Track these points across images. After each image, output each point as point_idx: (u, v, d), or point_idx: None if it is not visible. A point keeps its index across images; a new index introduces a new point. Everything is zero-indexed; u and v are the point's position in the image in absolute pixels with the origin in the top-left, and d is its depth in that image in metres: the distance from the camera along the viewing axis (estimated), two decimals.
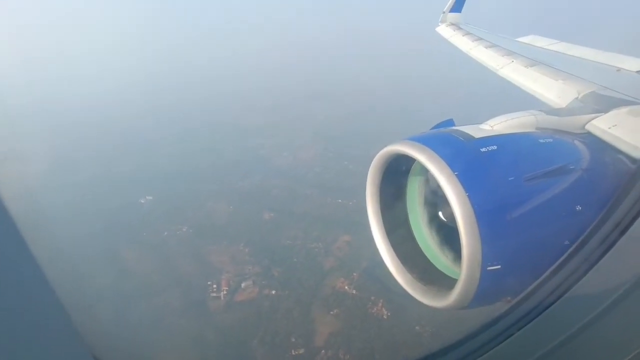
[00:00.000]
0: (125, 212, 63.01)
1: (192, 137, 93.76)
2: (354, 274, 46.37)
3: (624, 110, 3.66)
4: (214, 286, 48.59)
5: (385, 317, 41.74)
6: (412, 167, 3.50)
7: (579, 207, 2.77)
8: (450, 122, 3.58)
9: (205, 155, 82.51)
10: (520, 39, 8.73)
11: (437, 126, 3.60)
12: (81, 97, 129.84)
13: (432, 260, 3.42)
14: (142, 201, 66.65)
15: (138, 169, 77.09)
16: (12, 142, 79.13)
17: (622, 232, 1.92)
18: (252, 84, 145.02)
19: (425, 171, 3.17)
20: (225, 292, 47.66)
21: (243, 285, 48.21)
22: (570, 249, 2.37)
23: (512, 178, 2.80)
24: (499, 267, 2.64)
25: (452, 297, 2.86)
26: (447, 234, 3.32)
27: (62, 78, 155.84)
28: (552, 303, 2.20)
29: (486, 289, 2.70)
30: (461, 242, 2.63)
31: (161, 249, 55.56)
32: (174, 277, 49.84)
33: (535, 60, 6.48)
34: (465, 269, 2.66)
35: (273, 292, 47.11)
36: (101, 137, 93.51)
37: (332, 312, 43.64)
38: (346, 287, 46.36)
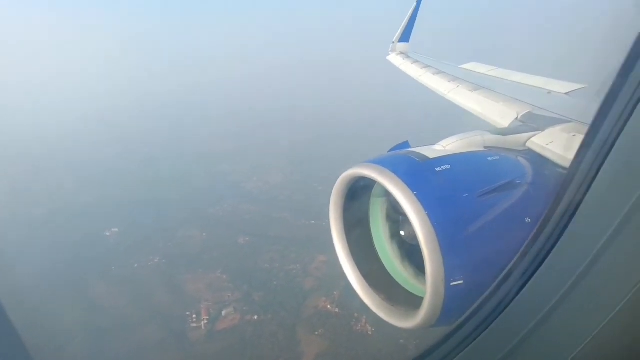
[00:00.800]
0: (90, 246, 59.78)
1: (156, 165, 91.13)
2: (335, 293, 46.17)
3: (558, 128, 4.02)
4: (194, 316, 46.91)
5: (369, 332, 41.66)
6: (374, 188, 3.56)
7: (527, 218, 2.91)
8: (406, 144, 3.67)
9: (172, 183, 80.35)
10: (463, 66, 9.29)
11: (394, 148, 3.69)
12: (35, 127, 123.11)
13: (397, 280, 3.46)
14: (108, 234, 63.50)
15: (100, 200, 73.55)
16: None
17: (560, 234, 2.05)
18: (216, 110, 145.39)
19: (385, 192, 3.20)
20: (205, 322, 45.96)
21: (224, 312, 46.83)
22: (517, 256, 2.46)
23: (467, 194, 2.92)
24: (462, 281, 2.72)
25: (420, 315, 2.90)
26: (410, 253, 3.41)
27: (16, 106, 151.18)
28: (506, 307, 2.30)
29: (451, 304, 2.76)
30: (424, 259, 2.69)
31: (133, 281, 53.06)
32: (150, 310, 47.61)
33: (477, 85, 6.97)
34: (430, 285, 2.72)
35: (255, 317, 45.92)
36: (58, 167, 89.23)
37: (317, 333, 43.18)
38: (328, 306, 46.06)
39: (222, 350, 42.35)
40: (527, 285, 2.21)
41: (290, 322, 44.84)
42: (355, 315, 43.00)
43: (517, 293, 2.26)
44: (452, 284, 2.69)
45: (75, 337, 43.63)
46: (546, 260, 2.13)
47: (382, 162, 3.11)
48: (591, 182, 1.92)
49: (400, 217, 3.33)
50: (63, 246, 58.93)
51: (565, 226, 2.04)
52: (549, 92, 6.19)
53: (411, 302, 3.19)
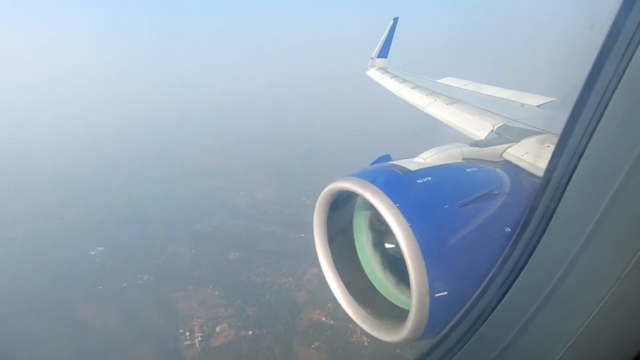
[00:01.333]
0: (75, 266, 58.77)
1: (140, 182, 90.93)
2: (329, 305, 45.94)
3: (531, 139, 4.12)
4: (187, 333, 46.38)
5: (365, 343, 41.61)
6: (357, 202, 3.58)
7: (506, 227, 2.95)
8: (387, 157, 3.69)
9: (157, 200, 79.90)
10: (440, 80, 9.53)
11: (376, 161, 3.70)
12: (16, 144, 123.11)
13: (382, 293, 3.47)
14: (93, 253, 62.57)
15: (83, 219, 72.46)
16: None
17: (537, 241, 2.09)
18: (199, 127, 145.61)
19: (369, 205, 3.19)
20: (199, 339, 45.49)
21: (217, 329, 46.31)
22: (498, 263, 2.48)
23: (448, 206, 2.95)
24: (446, 292, 2.74)
25: (406, 328, 2.89)
26: (394, 265, 3.43)
27: None
28: (489, 316, 2.32)
29: (437, 315, 2.77)
30: (408, 271, 2.70)
31: (122, 301, 52.31)
32: (141, 330, 46.94)
33: (454, 98, 7.14)
34: (415, 298, 2.72)
35: (250, 332, 45.54)
36: (38, 186, 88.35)
37: (313, 345, 43.14)
38: (323, 318, 46.00)
39: None
40: (509, 293, 2.24)
41: (286, 336, 44.54)
42: (350, 326, 42.46)
43: (500, 301, 2.29)
44: (436, 295, 2.71)
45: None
46: (525, 267, 2.17)
47: (364, 176, 3.14)
48: (563, 190, 1.98)
49: (384, 230, 3.35)
50: (46, 266, 57.77)
51: (542, 233, 2.09)
52: (522, 105, 6.37)
53: (397, 315, 3.21)
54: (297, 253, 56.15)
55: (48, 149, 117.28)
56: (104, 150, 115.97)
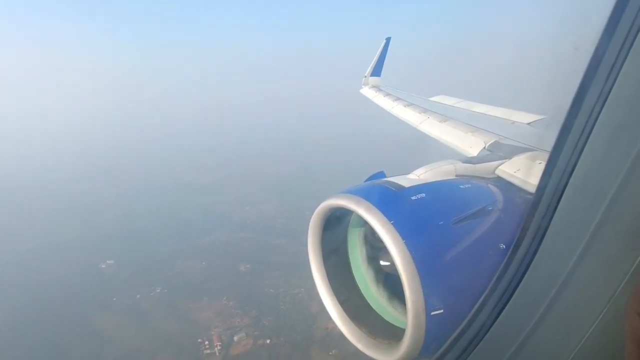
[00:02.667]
0: (87, 279, 59.69)
1: (140, 198, 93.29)
2: None
3: (523, 156, 4.13)
4: (206, 343, 47.04)
5: None
6: (351, 218, 3.56)
7: (500, 243, 2.91)
8: (381, 174, 3.69)
9: (161, 215, 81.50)
10: (432, 98, 9.64)
11: (370, 178, 3.70)
12: (21, 159, 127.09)
13: (378, 311, 3.43)
14: (103, 266, 63.63)
15: (89, 234, 73.73)
16: None
17: (532, 257, 2.10)
18: (193, 144, 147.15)
19: (363, 222, 3.17)
20: (219, 347, 46.22)
21: (236, 338, 47.00)
22: (492, 281, 2.46)
23: (442, 222, 2.93)
24: (442, 310, 2.69)
25: (402, 347, 2.84)
26: (389, 282, 3.37)
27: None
28: (486, 333, 2.32)
29: (433, 334, 2.71)
30: (404, 290, 2.67)
31: (138, 312, 52.87)
32: (160, 340, 47.62)
33: (446, 116, 7.15)
34: (411, 316, 2.68)
35: (268, 341, 46.30)
36: (41, 201, 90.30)
37: (331, 353, 43.42)
38: None
39: None
40: (504, 311, 2.24)
41: (303, 344, 44.96)
42: None
43: (495, 319, 2.28)
44: (432, 313, 2.67)
45: None
46: (520, 285, 2.17)
47: (358, 192, 3.13)
48: (555, 207, 1.98)
49: (378, 247, 3.29)
50: (58, 280, 58.61)
51: (535, 250, 2.09)
52: (513, 122, 6.43)
53: (393, 334, 3.16)
54: (307, 265, 55.95)
55: (54, 165, 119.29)
56: (109, 164, 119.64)
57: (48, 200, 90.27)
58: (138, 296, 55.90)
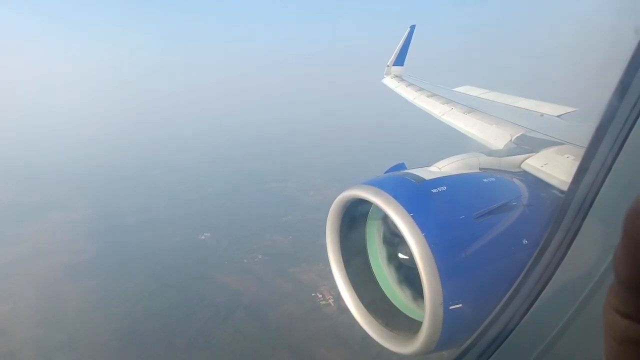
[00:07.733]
0: (193, 247, 67.22)
1: (208, 184, 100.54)
2: None
3: (552, 150, 3.96)
4: (320, 296, 53.23)
5: None
6: (370, 210, 3.49)
7: (524, 240, 2.85)
8: (402, 166, 3.64)
9: (234, 198, 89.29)
10: (457, 89, 9.37)
11: (390, 170, 3.65)
12: (135, 144, 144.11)
13: (395, 303, 3.38)
14: (203, 237, 71.00)
15: (178, 212, 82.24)
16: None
17: (562, 257, 2.02)
18: (237, 134, 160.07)
19: (382, 214, 3.15)
20: (332, 300, 51.41)
21: None
22: (519, 278, 2.41)
23: (463, 216, 2.86)
24: (460, 305, 2.64)
25: (419, 340, 2.81)
26: (408, 275, 3.31)
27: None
28: (510, 332, 2.25)
29: (451, 328, 2.68)
30: (422, 283, 2.62)
31: (250, 272, 59.98)
32: (280, 294, 54.28)
33: (471, 107, 6.94)
34: (429, 309, 2.64)
35: None
36: (141, 186, 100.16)
37: None
38: None
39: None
40: (529, 313, 2.17)
41: None
42: None
43: (519, 321, 2.21)
44: (450, 307, 2.62)
45: (235, 309, 51.11)
46: (545, 288, 2.10)
47: (378, 184, 3.08)
48: (590, 205, 1.89)
49: (397, 239, 3.26)
50: (171, 249, 66.35)
51: (567, 249, 2.01)
52: (542, 114, 6.20)
53: (410, 326, 3.12)
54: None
55: (153, 155, 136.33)
56: (173, 152, 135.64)
57: (151, 183, 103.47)
58: (245, 261, 62.80)
